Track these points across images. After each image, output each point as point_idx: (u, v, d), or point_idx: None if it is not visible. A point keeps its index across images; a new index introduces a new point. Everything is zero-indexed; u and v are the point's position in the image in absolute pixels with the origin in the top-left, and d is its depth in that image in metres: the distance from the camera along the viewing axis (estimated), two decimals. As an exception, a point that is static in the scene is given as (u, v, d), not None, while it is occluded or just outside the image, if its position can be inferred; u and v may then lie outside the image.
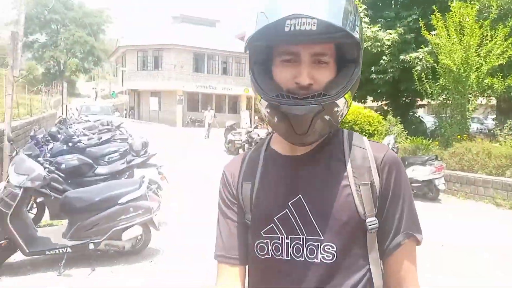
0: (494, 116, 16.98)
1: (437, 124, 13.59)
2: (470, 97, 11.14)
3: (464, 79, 10.59)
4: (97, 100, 45.52)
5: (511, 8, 11.75)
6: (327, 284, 0.99)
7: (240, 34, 46.59)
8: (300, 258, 1.01)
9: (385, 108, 16.23)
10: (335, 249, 0.99)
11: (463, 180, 8.89)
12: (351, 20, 0.93)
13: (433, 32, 11.51)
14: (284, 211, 1.03)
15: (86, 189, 4.88)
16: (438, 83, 11.41)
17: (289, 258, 1.02)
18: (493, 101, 13.86)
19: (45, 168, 4.73)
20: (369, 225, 1.00)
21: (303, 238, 1.01)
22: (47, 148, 7.21)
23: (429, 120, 17.06)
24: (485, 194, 8.44)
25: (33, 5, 41.44)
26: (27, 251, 4.13)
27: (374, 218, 1.01)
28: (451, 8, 10.89)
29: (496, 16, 11.03)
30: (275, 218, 1.03)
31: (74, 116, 18.57)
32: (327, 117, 0.95)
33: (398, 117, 13.05)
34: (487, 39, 10.58)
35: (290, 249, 1.02)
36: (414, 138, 11.49)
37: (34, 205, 5.59)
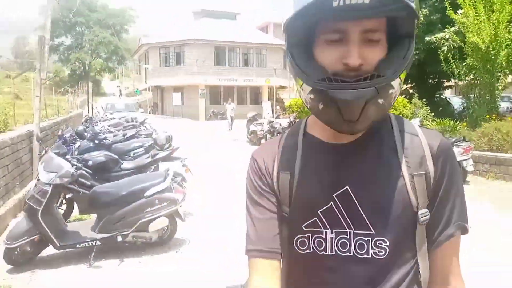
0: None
1: (465, 105, 13.22)
2: (500, 76, 10.77)
3: (493, 57, 10.24)
4: (121, 98, 46.35)
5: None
6: (377, 280, 0.94)
7: (261, 25, 46.44)
8: (348, 254, 0.94)
9: (410, 91, 15.90)
10: (387, 244, 0.93)
11: (492, 160, 8.63)
12: None
13: (459, 11, 11.16)
14: (329, 204, 0.95)
15: (113, 184, 4.99)
16: (465, 63, 11.08)
17: (334, 253, 0.95)
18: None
19: (73, 165, 4.86)
20: (421, 217, 0.93)
21: (350, 232, 0.94)
22: (75, 146, 7.42)
23: (456, 102, 16.61)
24: (515, 174, 8.20)
25: (59, 9, 42.37)
26: (58, 245, 4.27)
27: (426, 210, 0.94)
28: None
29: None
30: (318, 212, 0.95)
31: (100, 114, 19.00)
32: (380, 101, 0.85)
33: (424, 100, 12.75)
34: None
35: (334, 244, 0.95)
36: (441, 120, 11.20)
37: (64, 201, 5.75)
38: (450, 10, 10.96)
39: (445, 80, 15.79)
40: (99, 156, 6.12)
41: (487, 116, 10.33)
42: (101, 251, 4.52)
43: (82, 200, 5.32)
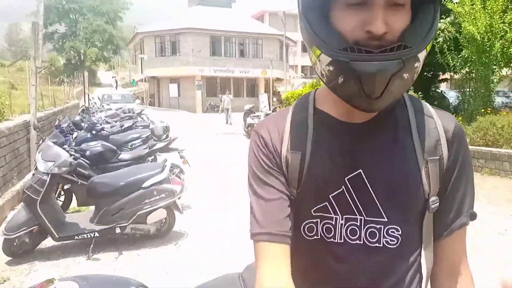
0: (521, 88, 16.42)
1: (460, 98, 13.26)
2: (495, 68, 10.78)
3: (488, 48, 10.24)
4: (117, 88, 46.10)
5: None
6: (386, 270, 0.90)
7: (256, 13, 46.17)
8: (357, 241, 0.89)
9: (406, 83, 15.85)
10: (399, 232, 0.88)
11: (488, 155, 8.66)
12: None
13: (455, 0, 11.12)
14: (341, 189, 0.89)
15: (111, 174, 4.98)
16: (460, 55, 11.08)
17: (342, 240, 0.90)
18: (519, 72, 13.40)
19: (70, 155, 4.85)
20: (432, 205, 0.89)
21: (361, 219, 0.89)
22: (72, 137, 7.41)
23: (452, 96, 16.66)
24: (510, 169, 8.24)
25: (51, -5, 41.99)
26: (57, 236, 4.28)
27: (437, 197, 0.90)
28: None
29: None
30: (330, 196, 0.89)
31: (97, 105, 18.88)
32: (405, 76, 0.76)
33: (420, 93, 12.77)
34: (512, 5, 10.17)
35: (343, 231, 0.90)
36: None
37: (62, 193, 5.76)
38: None
39: (441, 73, 15.81)
40: (96, 146, 6.12)
41: (482, 110, 10.36)
42: (99, 243, 4.53)
43: (80, 191, 5.34)
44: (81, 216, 4.98)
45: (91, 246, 4.36)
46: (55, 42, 51.84)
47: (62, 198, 5.76)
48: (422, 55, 0.77)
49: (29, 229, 4.19)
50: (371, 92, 0.76)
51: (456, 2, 11.07)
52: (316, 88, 1.00)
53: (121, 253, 4.47)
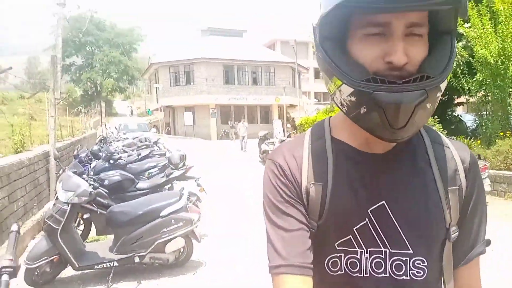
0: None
1: (477, 122, 13.12)
2: (511, 91, 10.69)
3: (502, 71, 10.18)
4: (132, 117, 46.83)
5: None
6: None
7: (268, 42, 46.92)
8: (383, 275, 0.87)
9: (421, 108, 15.76)
10: (425, 263, 0.87)
11: (510, 180, 8.48)
12: None
13: (466, 25, 11.16)
14: (365, 221, 0.87)
15: (129, 203, 5.01)
16: (475, 79, 11.02)
17: (368, 275, 0.87)
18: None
19: (90, 184, 4.91)
20: (452, 234, 0.89)
21: (385, 251, 0.87)
22: (90, 166, 7.49)
23: (468, 119, 16.48)
24: (535, 193, 8.03)
25: (68, 29, 43.28)
26: (77, 266, 4.29)
27: (456, 226, 0.90)
28: (483, -2, 10.52)
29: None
30: (354, 229, 0.87)
31: (114, 134, 19.18)
32: (428, 105, 0.77)
33: (436, 117, 12.70)
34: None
35: (369, 265, 0.87)
36: (454, 138, 11.10)
37: (81, 222, 5.79)
38: (460, 20, 10.95)
39: (456, 97, 15.72)
40: (115, 175, 6.18)
41: (501, 134, 10.23)
42: (118, 273, 4.52)
43: (99, 220, 5.36)
44: (100, 245, 5.00)
45: (111, 275, 4.35)
46: (72, 73, 53.21)
47: (81, 227, 5.79)
48: (443, 85, 0.78)
49: (50, 259, 4.22)
50: (395, 122, 0.75)
51: (468, 26, 11.10)
52: (329, 115, 1.01)
53: (140, 282, 4.44)
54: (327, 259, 0.90)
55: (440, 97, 0.80)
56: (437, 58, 0.79)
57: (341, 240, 0.88)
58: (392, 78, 0.75)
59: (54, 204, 4.58)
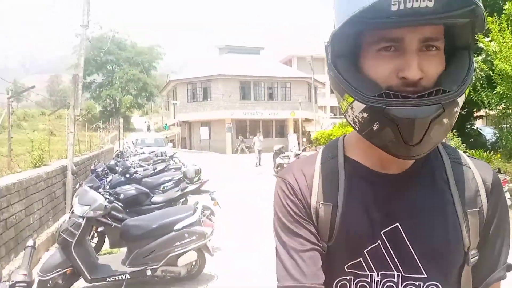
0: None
1: (498, 135, 12.87)
2: (532, 104, 10.48)
3: (523, 84, 10.00)
4: (149, 132, 47.43)
5: None
6: None
7: (284, 59, 47.22)
8: None
9: (440, 122, 15.61)
10: None
11: (532, 193, 8.26)
12: None
13: (486, 39, 11.04)
14: (377, 243, 0.84)
15: (143, 217, 5.03)
16: (495, 92, 10.85)
17: None
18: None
19: (105, 198, 4.95)
20: (471, 258, 0.85)
21: (398, 275, 0.83)
22: (107, 180, 7.58)
23: (488, 132, 16.20)
24: (559, 207, 7.80)
25: (90, 48, 44.43)
26: (89, 278, 4.30)
27: (476, 250, 0.86)
28: (504, 11, 10.42)
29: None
30: (365, 251, 0.84)
31: (130, 149, 19.42)
32: (445, 121, 0.73)
33: (455, 130, 12.50)
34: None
35: None
36: (474, 151, 10.92)
37: (95, 235, 5.83)
38: (480, 35, 10.84)
39: (475, 110, 15.49)
40: (130, 189, 6.23)
41: (522, 147, 10.01)
42: (131, 285, 4.51)
43: (113, 233, 5.39)
44: (113, 258, 5.01)
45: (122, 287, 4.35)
46: (92, 91, 54.43)
47: (95, 240, 5.83)
48: (461, 100, 0.74)
49: (63, 271, 4.23)
50: (409, 138, 0.72)
51: (488, 40, 10.98)
52: (345, 132, 0.99)
53: (152, 296, 4.42)
54: (335, 282, 0.87)
55: (458, 114, 0.77)
56: (454, 72, 0.76)
57: (351, 263, 0.85)
58: (406, 93, 0.73)
59: (69, 217, 4.63)
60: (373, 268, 0.84)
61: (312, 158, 0.95)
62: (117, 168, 8.30)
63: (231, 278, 4.89)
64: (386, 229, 0.84)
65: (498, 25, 10.37)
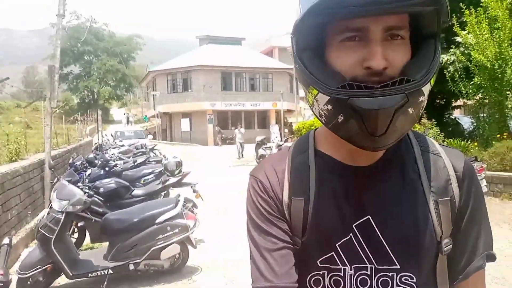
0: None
1: (475, 124, 13.15)
2: (508, 94, 10.73)
3: (499, 75, 10.24)
4: (128, 125, 46.83)
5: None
6: None
7: (265, 49, 47.08)
8: None
9: (419, 112, 15.88)
10: (414, 280, 0.83)
11: (506, 180, 8.48)
12: None
13: (464, 32, 11.23)
14: (348, 236, 0.83)
15: (124, 211, 4.97)
16: (472, 82, 11.07)
17: None
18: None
19: (85, 192, 4.86)
20: (445, 247, 0.84)
21: (371, 268, 0.83)
22: (86, 174, 7.45)
23: (466, 121, 16.54)
24: (532, 193, 8.03)
25: (67, 39, 43.40)
26: (71, 274, 4.23)
27: (449, 239, 0.85)
28: (481, 3, 10.61)
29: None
30: (336, 245, 0.84)
31: (110, 142, 19.13)
32: (410, 111, 0.72)
33: (433, 120, 12.71)
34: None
35: (353, 282, 0.84)
36: (452, 140, 11.13)
37: (76, 230, 5.73)
38: (457, 27, 11.00)
39: (453, 100, 15.78)
40: (110, 183, 6.14)
41: (498, 135, 10.25)
42: (113, 280, 4.46)
43: (94, 228, 5.31)
44: (94, 253, 4.94)
45: (105, 283, 4.29)
46: (69, 82, 53.27)
47: (76, 235, 5.73)
48: (426, 89, 0.74)
49: (43, 268, 4.15)
50: (374, 129, 0.71)
51: (465, 33, 11.17)
52: (315, 128, 0.96)
53: (135, 290, 4.38)
54: (309, 277, 0.87)
55: (425, 104, 0.76)
56: (420, 61, 0.75)
57: (323, 257, 0.85)
58: (371, 83, 0.72)
59: (48, 213, 4.53)
60: (346, 262, 0.84)
61: (283, 154, 0.94)
62: (96, 161, 8.16)
63: (214, 270, 4.88)
64: (357, 222, 0.83)
65: (475, 18, 10.57)
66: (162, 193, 6.53)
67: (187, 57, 37.66)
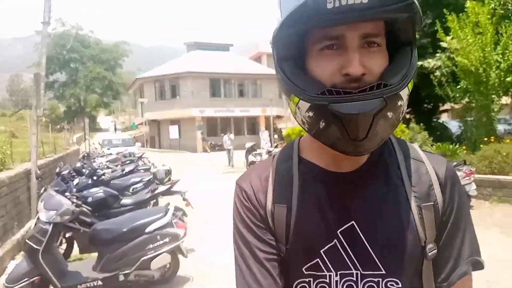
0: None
1: (462, 128, 13.32)
2: (494, 98, 10.90)
3: (484, 79, 10.40)
4: (116, 132, 46.48)
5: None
6: None
7: (254, 55, 47.23)
8: None
9: (407, 116, 16.06)
10: (399, 285, 0.83)
11: (495, 183, 8.58)
12: None
13: (448, 38, 11.41)
14: (333, 242, 0.84)
15: (113, 220, 4.89)
16: (459, 86, 11.23)
17: None
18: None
19: (72, 202, 4.77)
20: (429, 252, 0.84)
21: (357, 273, 0.83)
22: (73, 184, 7.32)
23: (454, 125, 16.77)
24: (520, 196, 8.13)
25: (53, 46, 43.01)
26: (59, 286, 4.13)
27: (434, 244, 0.85)
28: (465, 9, 10.79)
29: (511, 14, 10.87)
30: (321, 252, 0.84)
31: (97, 150, 18.93)
32: (390, 115, 0.74)
33: (422, 124, 12.84)
34: (504, 37, 10.41)
35: None
36: (440, 144, 11.24)
37: (64, 241, 5.62)
38: (442, 33, 11.17)
39: (441, 104, 15.99)
40: (98, 192, 6.04)
41: (486, 139, 10.38)
42: (103, 292, 4.36)
43: (82, 239, 5.21)
44: (83, 264, 4.84)
45: (94, 295, 4.20)
46: (55, 90, 52.64)
47: (64, 246, 5.62)
48: (404, 93, 0.75)
49: (31, 280, 4.04)
50: (355, 134, 0.72)
51: (450, 38, 11.36)
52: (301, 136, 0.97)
53: (125, 302, 4.29)
54: (295, 284, 0.87)
55: (405, 108, 0.78)
56: (397, 67, 0.77)
57: (309, 264, 0.85)
58: (350, 89, 0.74)
59: (35, 224, 4.43)
60: (331, 268, 0.84)
61: (268, 162, 0.96)
62: (83, 170, 8.03)
63: (206, 279, 4.82)
64: (341, 228, 0.84)
65: (458, 23, 10.76)
66: (151, 202, 6.47)
67: (175, 64, 37.56)
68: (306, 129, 0.81)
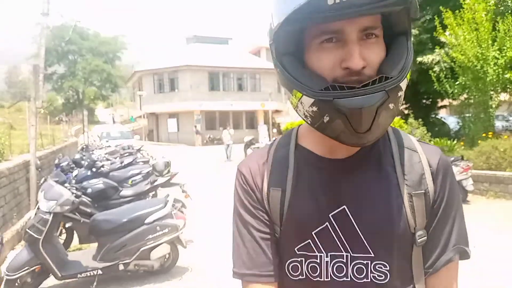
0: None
1: (460, 124, 13.36)
2: (492, 94, 10.92)
3: (482, 75, 10.42)
4: (114, 125, 46.40)
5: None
6: None
7: (253, 49, 47.11)
8: (345, 279, 0.87)
9: (406, 112, 16.09)
10: (387, 268, 0.86)
11: (492, 179, 8.64)
12: None
13: (447, 33, 11.41)
14: (324, 225, 0.87)
15: (113, 211, 4.93)
16: (457, 82, 11.25)
17: (329, 279, 0.87)
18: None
19: (72, 193, 4.81)
20: (418, 239, 0.87)
21: (347, 255, 0.87)
22: (72, 175, 7.35)
23: (452, 121, 16.80)
24: (516, 192, 8.19)
25: (51, 38, 42.75)
26: (60, 275, 4.18)
27: (423, 231, 0.88)
28: (463, 5, 10.80)
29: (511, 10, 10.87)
30: (313, 233, 0.88)
31: (96, 142, 18.92)
32: (391, 106, 0.76)
33: (420, 120, 12.88)
34: (501, 33, 10.42)
35: (330, 269, 0.87)
36: (438, 140, 11.29)
37: (63, 231, 5.66)
38: (440, 28, 11.18)
39: (439, 100, 16.00)
40: (98, 183, 6.07)
41: (483, 135, 10.42)
42: (102, 281, 4.42)
43: (82, 229, 5.25)
44: (83, 254, 4.89)
45: (94, 284, 4.26)
46: (54, 82, 52.42)
47: (64, 236, 5.66)
48: (403, 84, 0.78)
49: (31, 269, 4.09)
50: (359, 127, 0.75)
51: (448, 34, 11.36)
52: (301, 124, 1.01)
53: (125, 291, 4.34)
54: (287, 263, 0.91)
55: (402, 97, 0.80)
56: (395, 59, 0.80)
57: (300, 245, 0.89)
58: (351, 83, 0.76)
59: (35, 213, 4.46)
60: (322, 249, 0.88)
61: (267, 148, 1.00)
62: (83, 162, 8.06)
63: (205, 270, 4.86)
64: (333, 212, 0.87)
65: (455, 19, 10.77)
66: (151, 194, 6.50)
67: (174, 57, 37.38)
68: (309, 122, 0.83)
